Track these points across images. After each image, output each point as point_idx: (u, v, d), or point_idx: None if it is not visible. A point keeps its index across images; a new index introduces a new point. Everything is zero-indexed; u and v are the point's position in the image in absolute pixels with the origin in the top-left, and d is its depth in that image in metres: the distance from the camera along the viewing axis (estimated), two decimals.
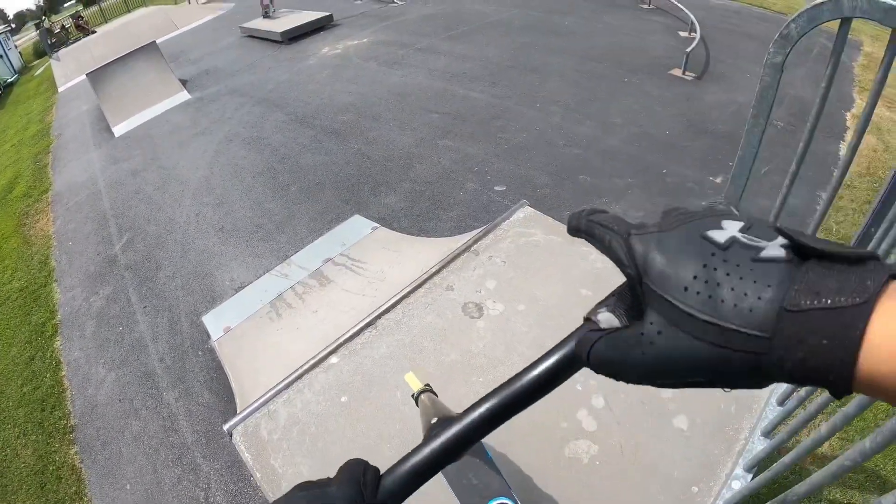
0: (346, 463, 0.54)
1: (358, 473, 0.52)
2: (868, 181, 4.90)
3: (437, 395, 1.49)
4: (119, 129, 9.35)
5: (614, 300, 0.47)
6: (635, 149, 5.76)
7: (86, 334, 4.88)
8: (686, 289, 0.36)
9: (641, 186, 5.14)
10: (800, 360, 0.32)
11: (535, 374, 0.52)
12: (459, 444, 0.55)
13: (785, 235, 0.35)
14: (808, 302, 0.31)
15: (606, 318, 0.45)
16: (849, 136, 5.72)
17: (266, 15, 13.47)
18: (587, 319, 0.48)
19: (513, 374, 0.53)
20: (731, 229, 0.37)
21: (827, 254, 0.33)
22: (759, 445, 1.95)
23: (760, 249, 0.35)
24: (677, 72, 7.51)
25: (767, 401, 2.08)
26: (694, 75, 7.39)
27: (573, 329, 0.50)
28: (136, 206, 6.65)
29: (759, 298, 0.33)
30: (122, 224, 6.34)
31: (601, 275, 2.87)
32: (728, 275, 0.34)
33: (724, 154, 5.47)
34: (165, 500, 3.43)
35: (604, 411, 2.17)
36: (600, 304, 0.48)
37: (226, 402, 3.79)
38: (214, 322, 4.23)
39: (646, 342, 0.38)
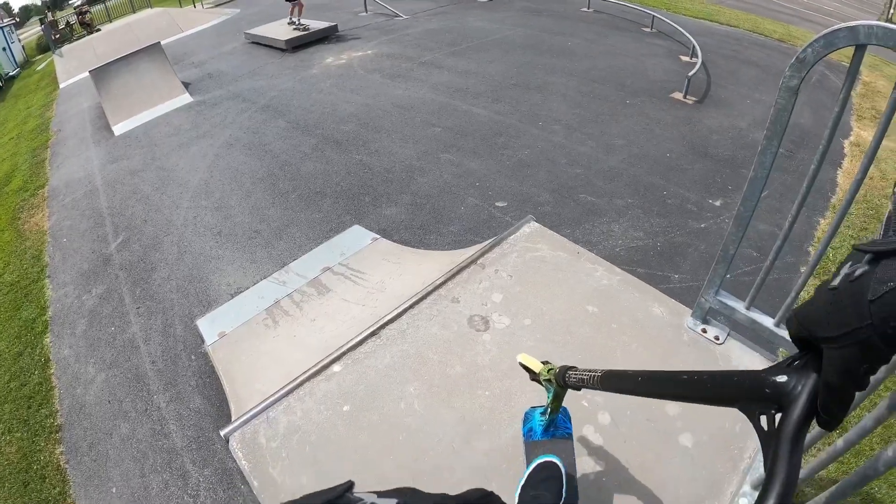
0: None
1: None
2: (863, 207, 4.99)
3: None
4: (119, 128, 9.30)
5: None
6: (636, 169, 5.82)
7: (76, 332, 4.82)
8: (827, 323, 0.53)
9: (641, 206, 5.20)
10: (893, 326, 0.46)
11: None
12: None
13: (864, 251, 0.51)
14: (882, 288, 0.47)
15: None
16: (846, 163, 5.85)
17: (293, 23, 12.96)
18: None
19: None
20: (843, 271, 0.53)
21: (891, 251, 0.49)
22: None
23: (854, 273, 0.51)
24: (678, 95, 7.62)
25: None
26: (695, 99, 7.49)
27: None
28: (134, 205, 6.61)
29: (859, 304, 0.48)
30: (119, 223, 6.30)
31: (607, 292, 2.90)
32: (845, 300, 0.51)
33: (724, 177, 5.56)
34: None
35: (610, 428, 2.16)
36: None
37: (217, 407, 3.75)
38: (209, 326, 4.20)
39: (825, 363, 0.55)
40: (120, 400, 4.09)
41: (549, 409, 1.59)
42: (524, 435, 1.68)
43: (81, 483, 3.64)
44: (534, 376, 1.67)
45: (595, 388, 1.27)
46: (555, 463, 1.56)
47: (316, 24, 12.87)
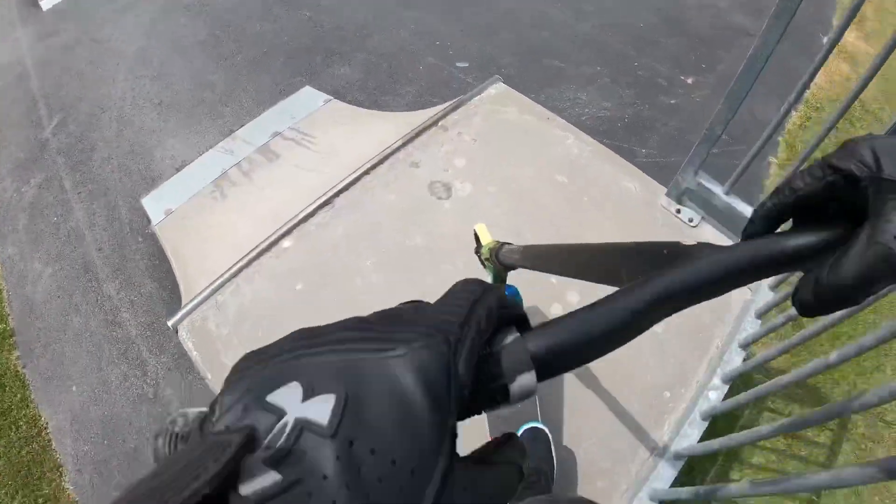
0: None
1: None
2: (837, 106, 4.64)
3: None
4: (47, 2, 8.44)
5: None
6: (607, 38, 5.34)
7: (18, 228, 4.47)
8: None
9: (611, 76, 4.84)
10: None
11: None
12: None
13: None
14: None
15: None
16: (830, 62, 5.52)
17: None
18: None
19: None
20: None
21: None
22: (737, 357, 1.99)
23: None
24: None
25: (743, 315, 2.09)
26: None
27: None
28: (68, 84, 6.05)
29: None
30: (53, 105, 5.77)
31: (577, 162, 2.72)
32: None
33: (698, 56, 5.17)
34: (113, 399, 3.21)
35: (578, 307, 1.95)
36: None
37: (170, 290, 3.50)
38: (154, 204, 3.86)
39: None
40: (70, 293, 3.83)
41: None
42: None
43: (41, 386, 3.47)
44: (477, 250, 1.56)
45: (521, 266, 1.14)
46: (542, 430, 1.54)
47: None
